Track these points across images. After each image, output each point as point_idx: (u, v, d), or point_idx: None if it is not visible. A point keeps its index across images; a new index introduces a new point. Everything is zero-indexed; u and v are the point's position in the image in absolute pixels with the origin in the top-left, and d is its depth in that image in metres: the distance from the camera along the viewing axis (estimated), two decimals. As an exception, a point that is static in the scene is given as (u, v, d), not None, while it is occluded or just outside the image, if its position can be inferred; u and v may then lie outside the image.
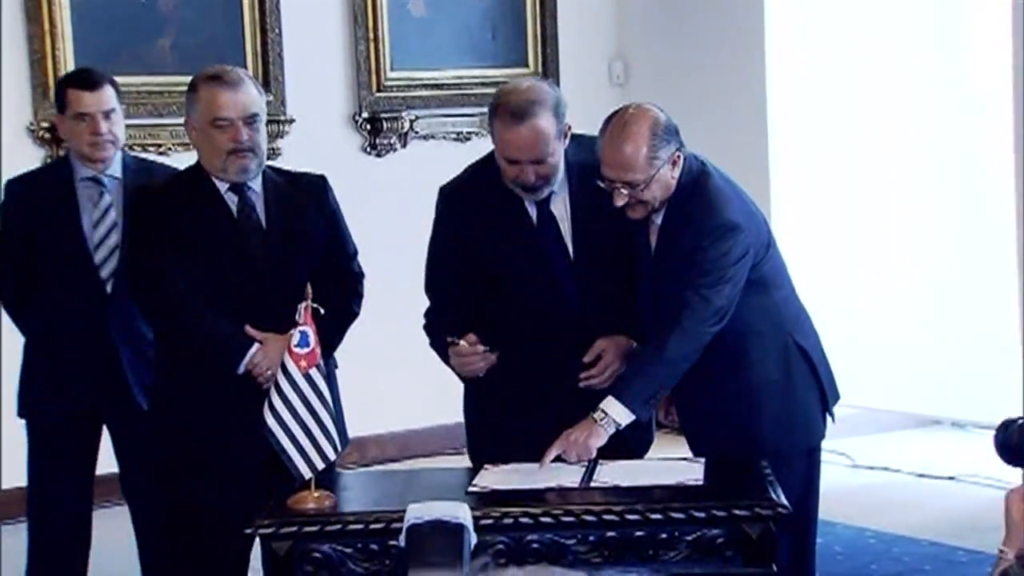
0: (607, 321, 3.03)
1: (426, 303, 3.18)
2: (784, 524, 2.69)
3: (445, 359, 3.06)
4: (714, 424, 3.00)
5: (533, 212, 3.05)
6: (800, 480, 3.00)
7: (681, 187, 2.93)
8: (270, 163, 3.17)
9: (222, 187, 3.08)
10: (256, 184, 3.10)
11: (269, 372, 2.95)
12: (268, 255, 3.07)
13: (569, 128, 2.98)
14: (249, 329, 3.01)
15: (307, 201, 3.15)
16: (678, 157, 2.92)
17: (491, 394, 3.08)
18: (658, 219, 2.97)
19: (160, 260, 3.04)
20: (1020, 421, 1.82)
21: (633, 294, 3.03)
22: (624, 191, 2.88)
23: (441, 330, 3.05)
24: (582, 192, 3.01)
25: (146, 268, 3.08)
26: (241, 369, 3.00)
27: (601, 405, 2.85)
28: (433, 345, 3.12)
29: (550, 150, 2.92)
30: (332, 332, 3.11)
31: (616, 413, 2.84)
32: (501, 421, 3.08)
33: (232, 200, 3.09)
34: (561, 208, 3.04)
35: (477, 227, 3.01)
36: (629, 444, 2.99)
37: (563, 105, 2.95)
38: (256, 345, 3.00)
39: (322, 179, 3.22)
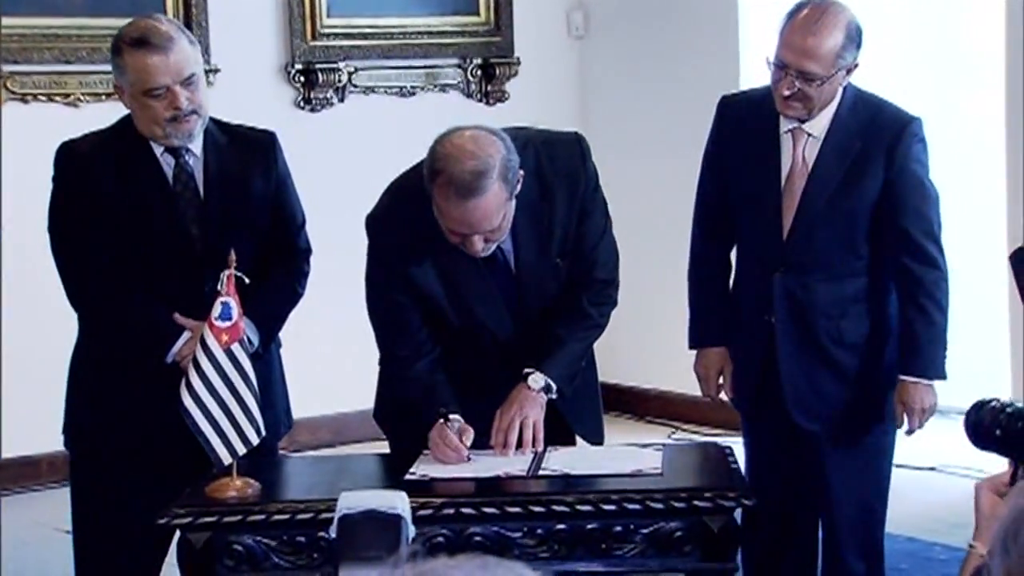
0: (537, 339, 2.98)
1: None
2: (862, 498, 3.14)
3: (407, 414, 2.97)
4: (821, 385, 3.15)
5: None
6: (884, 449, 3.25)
7: (850, 102, 3.08)
8: (212, 116, 3.10)
9: (157, 148, 3.01)
10: (196, 145, 3.02)
11: None
12: (205, 230, 3.01)
13: (520, 179, 2.82)
14: (179, 317, 2.97)
15: (252, 166, 3.08)
16: (855, 67, 3.05)
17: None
18: (809, 134, 3.08)
19: (83, 232, 2.99)
20: (993, 402, 1.86)
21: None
22: (796, 82, 2.98)
23: (415, 382, 2.95)
24: (526, 216, 2.91)
25: (66, 240, 3.04)
26: (169, 359, 2.97)
27: (910, 387, 3.10)
28: (402, 401, 3.01)
29: (501, 216, 2.79)
30: (274, 317, 3.09)
31: (924, 393, 3.12)
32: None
33: (168, 164, 3.02)
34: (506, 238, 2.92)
35: (416, 264, 2.93)
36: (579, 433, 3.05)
37: (513, 160, 2.79)
38: (186, 334, 2.96)
39: (271, 138, 3.15)
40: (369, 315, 3.04)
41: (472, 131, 2.81)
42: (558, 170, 2.95)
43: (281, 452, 3.41)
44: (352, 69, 5.66)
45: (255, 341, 2.97)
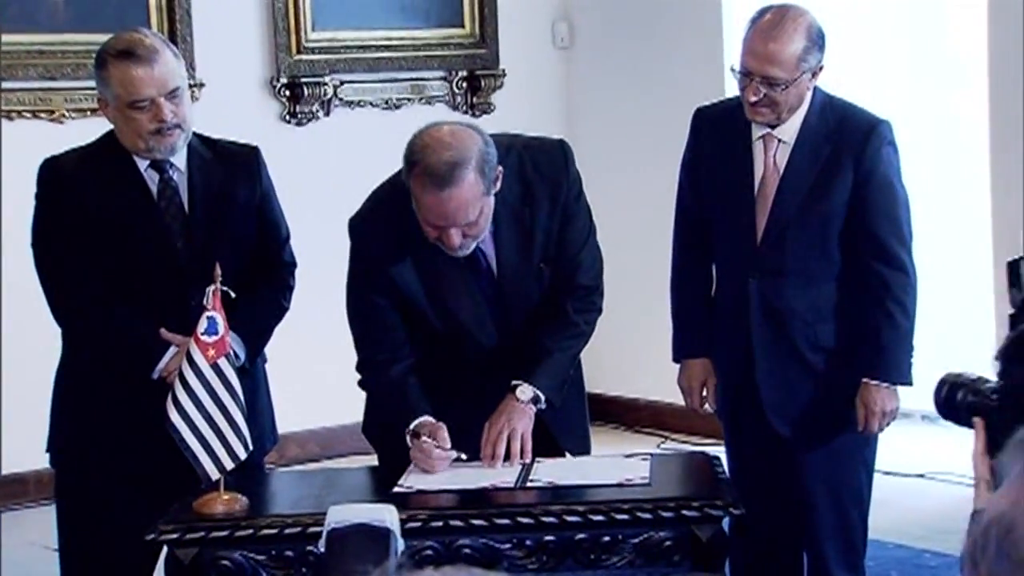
0: (523, 346, 2.98)
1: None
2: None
3: (389, 425, 2.98)
4: (798, 394, 3.16)
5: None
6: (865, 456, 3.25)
7: (818, 106, 3.10)
8: (195, 131, 3.11)
9: (141, 164, 3.02)
10: (180, 159, 3.03)
11: None
12: (190, 244, 3.01)
13: (500, 174, 2.84)
14: (164, 332, 2.96)
15: (237, 180, 3.09)
16: (820, 70, 3.06)
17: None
18: (780, 140, 3.10)
19: (66, 247, 2.99)
20: (950, 381, 1.94)
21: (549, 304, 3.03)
22: (761, 87, 3.00)
23: (389, 386, 2.96)
24: (508, 217, 2.93)
25: (50, 256, 3.03)
26: (156, 375, 2.97)
27: (872, 389, 3.09)
28: (377, 406, 3.05)
29: (478, 211, 2.80)
30: (260, 332, 3.09)
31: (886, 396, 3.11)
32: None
33: (152, 179, 3.02)
34: (487, 238, 2.93)
35: (398, 267, 2.94)
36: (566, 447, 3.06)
37: (491, 154, 2.81)
38: (172, 350, 2.96)
39: (254, 152, 3.16)
40: (348, 318, 3.04)
41: (450, 125, 2.84)
42: (541, 174, 2.97)
43: (268, 466, 3.41)
44: (337, 82, 5.66)
45: (242, 355, 2.97)
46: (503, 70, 5.96)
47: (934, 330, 5.39)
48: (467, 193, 2.77)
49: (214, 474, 2.71)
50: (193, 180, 3.05)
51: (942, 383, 1.98)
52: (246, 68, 5.51)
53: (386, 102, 5.75)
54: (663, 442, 5.65)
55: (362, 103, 5.73)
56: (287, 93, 5.57)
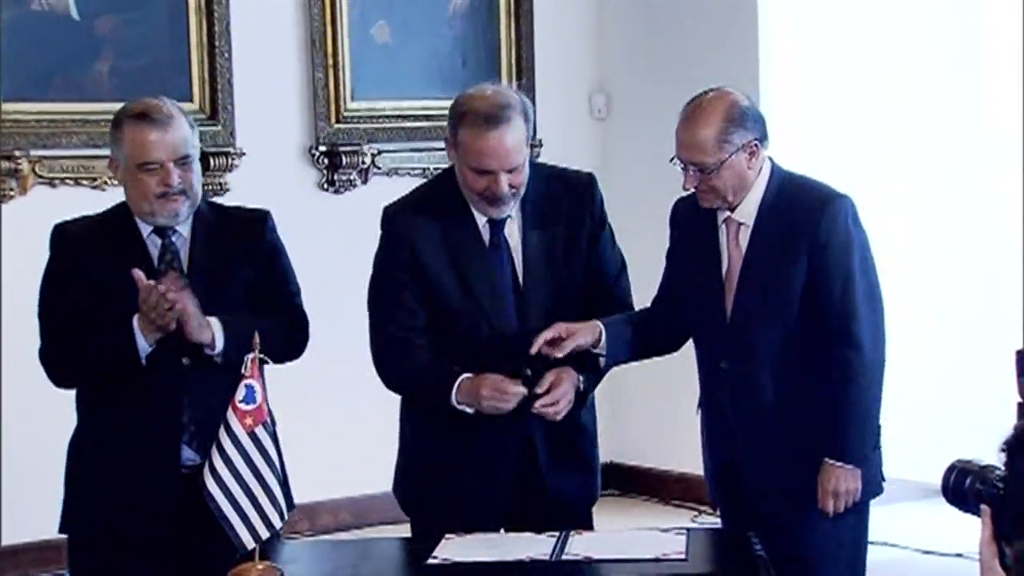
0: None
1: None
2: None
3: (416, 393, 3.12)
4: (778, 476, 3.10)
5: (486, 235, 3.12)
6: (853, 535, 3.13)
7: (776, 186, 3.07)
8: (213, 199, 3.16)
9: (145, 230, 3.08)
10: (185, 226, 3.08)
11: (164, 308, 2.90)
12: None
13: (532, 138, 3.11)
14: (136, 272, 2.93)
15: (239, 242, 3.13)
16: (756, 147, 3.03)
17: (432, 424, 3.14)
18: (740, 223, 3.08)
19: (61, 304, 3.04)
20: (959, 467, 1.93)
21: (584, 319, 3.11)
22: (694, 173, 3.03)
23: (412, 350, 3.09)
24: (535, 220, 3.12)
25: (46, 308, 3.09)
26: (142, 345, 2.95)
27: (829, 469, 3.02)
28: (394, 383, 3.16)
29: (522, 158, 3.03)
30: (244, 323, 2.98)
31: (841, 476, 3.02)
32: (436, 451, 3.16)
33: (155, 244, 3.08)
34: (515, 233, 3.12)
35: (427, 248, 3.08)
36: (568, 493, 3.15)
37: (531, 111, 3.08)
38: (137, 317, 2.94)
39: (262, 215, 3.20)
40: (368, 304, 3.16)
41: (490, 84, 3.11)
42: (565, 185, 3.19)
43: (294, 536, 3.40)
44: (375, 151, 5.73)
45: (219, 341, 2.97)
46: (540, 140, 5.99)
47: (971, 408, 5.37)
48: (515, 134, 2.99)
49: (249, 544, 2.71)
50: (195, 244, 3.09)
51: (951, 469, 1.97)
52: (285, 136, 5.58)
53: (423, 171, 5.80)
54: (697, 516, 5.62)
55: (399, 171, 5.78)
56: (325, 161, 5.63)
